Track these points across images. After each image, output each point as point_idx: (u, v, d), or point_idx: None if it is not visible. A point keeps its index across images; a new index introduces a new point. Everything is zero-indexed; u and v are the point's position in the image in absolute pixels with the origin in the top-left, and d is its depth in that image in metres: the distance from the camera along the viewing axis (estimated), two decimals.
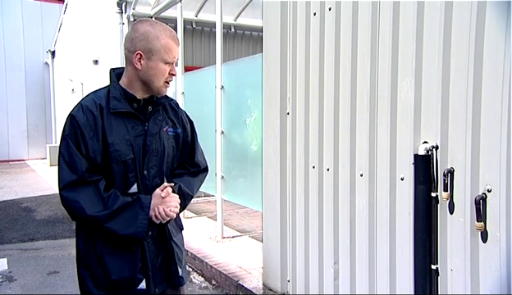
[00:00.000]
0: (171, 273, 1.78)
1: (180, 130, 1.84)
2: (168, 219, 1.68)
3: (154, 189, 1.70)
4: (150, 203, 1.65)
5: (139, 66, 1.65)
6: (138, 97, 1.70)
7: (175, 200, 1.70)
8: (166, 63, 1.66)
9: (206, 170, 1.99)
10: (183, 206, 1.81)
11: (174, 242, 1.79)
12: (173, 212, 1.68)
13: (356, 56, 2.62)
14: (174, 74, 1.70)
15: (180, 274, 1.81)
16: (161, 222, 1.68)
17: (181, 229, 1.92)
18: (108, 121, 1.65)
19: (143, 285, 1.69)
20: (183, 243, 1.91)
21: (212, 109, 5.08)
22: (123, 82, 1.72)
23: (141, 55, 1.64)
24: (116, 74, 1.74)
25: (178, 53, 1.70)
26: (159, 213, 1.64)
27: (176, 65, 1.75)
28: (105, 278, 1.67)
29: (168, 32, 1.68)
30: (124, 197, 1.64)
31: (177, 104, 1.90)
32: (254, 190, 4.32)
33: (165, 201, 1.67)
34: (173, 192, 1.72)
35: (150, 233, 1.71)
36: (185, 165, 1.89)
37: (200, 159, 1.94)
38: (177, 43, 1.69)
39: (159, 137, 1.73)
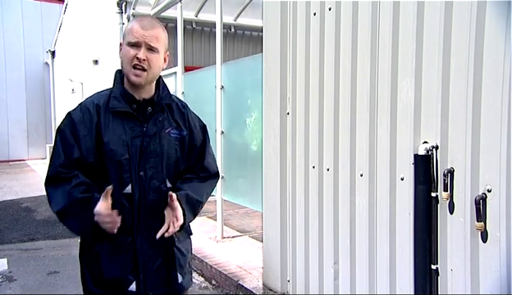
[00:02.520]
0: (171, 279, 1.75)
1: (185, 133, 1.79)
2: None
3: (151, 191, 1.68)
4: (95, 205, 1.57)
5: (120, 56, 1.69)
6: (137, 98, 1.70)
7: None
8: (131, 45, 1.63)
9: (217, 175, 1.93)
10: (194, 214, 1.78)
11: (177, 247, 1.76)
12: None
13: (356, 56, 2.62)
14: (139, 58, 1.60)
15: (180, 281, 1.77)
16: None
17: (190, 234, 1.89)
18: (106, 120, 1.65)
19: (133, 287, 1.68)
20: (189, 249, 1.87)
21: (212, 109, 5.07)
22: (125, 83, 1.72)
23: (120, 45, 1.69)
24: (121, 76, 1.74)
25: (143, 35, 1.61)
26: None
27: (151, 50, 1.63)
28: (99, 275, 1.67)
29: (139, 18, 1.70)
30: (82, 194, 1.60)
31: (185, 106, 1.86)
32: (254, 190, 4.32)
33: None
34: (178, 201, 1.66)
35: (145, 233, 1.68)
36: (194, 170, 1.84)
37: (211, 163, 1.89)
38: (142, 25, 1.63)
39: (159, 138, 1.71)
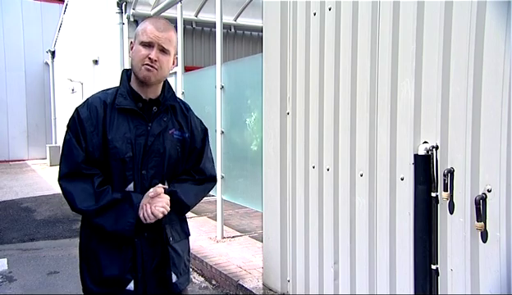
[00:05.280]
0: (164, 278, 1.75)
1: (187, 135, 1.80)
2: (154, 218, 1.62)
3: None
4: (140, 202, 1.63)
5: (130, 55, 1.71)
6: (143, 97, 1.71)
7: (163, 200, 1.64)
8: (143, 45, 1.64)
9: (213, 179, 1.93)
10: (178, 213, 1.78)
11: (171, 247, 1.75)
12: (159, 212, 1.61)
13: (356, 56, 2.62)
14: (151, 58, 1.62)
15: (174, 280, 1.76)
16: (149, 222, 1.63)
17: (187, 234, 1.88)
18: (112, 118, 1.67)
19: (131, 286, 1.68)
20: (185, 249, 1.86)
21: (212, 109, 5.08)
22: (132, 82, 1.73)
23: (132, 43, 1.71)
24: (128, 75, 1.76)
25: (157, 37, 1.63)
26: (146, 211, 1.61)
27: (163, 51, 1.65)
28: (98, 273, 1.68)
29: (154, 19, 1.71)
30: (115, 193, 1.64)
31: (189, 108, 1.88)
32: (254, 190, 4.32)
33: (153, 200, 1.63)
34: (165, 193, 1.67)
35: (146, 234, 1.69)
36: (191, 172, 1.85)
37: (207, 166, 1.89)
38: (156, 26, 1.65)
39: (162, 138, 1.72)
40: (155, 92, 1.74)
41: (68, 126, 1.70)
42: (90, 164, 1.65)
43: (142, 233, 1.68)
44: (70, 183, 1.64)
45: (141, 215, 1.62)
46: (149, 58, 1.63)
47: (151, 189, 1.66)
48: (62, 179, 1.66)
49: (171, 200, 1.68)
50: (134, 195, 1.65)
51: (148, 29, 1.64)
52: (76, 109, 1.71)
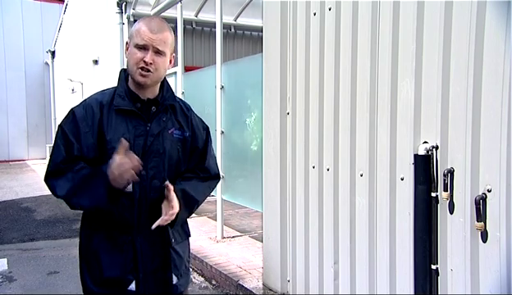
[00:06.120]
0: (165, 280, 1.74)
1: (188, 134, 1.79)
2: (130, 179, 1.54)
3: (152, 191, 1.68)
4: (107, 170, 1.53)
5: (126, 56, 1.70)
6: (141, 97, 1.70)
7: (128, 161, 1.53)
8: (138, 47, 1.62)
9: (217, 177, 1.92)
10: (189, 211, 1.77)
11: (173, 248, 1.75)
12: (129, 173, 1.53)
13: (356, 56, 2.62)
14: (146, 61, 1.60)
15: (175, 282, 1.75)
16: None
17: (188, 235, 1.87)
18: (109, 118, 1.65)
19: (132, 287, 1.68)
20: (186, 250, 1.86)
21: (212, 109, 5.08)
22: (129, 83, 1.72)
23: (127, 44, 1.70)
24: (125, 74, 1.74)
25: (151, 39, 1.60)
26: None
27: (158, 53, 1.62)
28: (99, 274, 1.67)
29: (148, 19, 1.69)
30: (85, 169, 1.60)
31: (189, 107, 1.87)
32: (254, 190, 4.32)
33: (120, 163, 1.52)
34: (175, 192, 1.64)
35: (146, 233, 1.67)
36: (195, 170, 1.84)
37: (212, 165, 1.88)
38: (150, 27, 1.62)
39: (162, 138, 1.71)
40: (153, 92, 1.73)
41: (59, 126, 1.68)
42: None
43: (141, 233, 1.67)
44: (54, 178, 1.63)
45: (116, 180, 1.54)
46: (144, 61, 1.61)
47: (119, 157, 1.54)
48: (47, 178, 1.66)
49: (180, 196, 1.66)
50: (104, 165, 1.56)
51: (142, 31, 1.62)
52: (72, 109, 1.69)
